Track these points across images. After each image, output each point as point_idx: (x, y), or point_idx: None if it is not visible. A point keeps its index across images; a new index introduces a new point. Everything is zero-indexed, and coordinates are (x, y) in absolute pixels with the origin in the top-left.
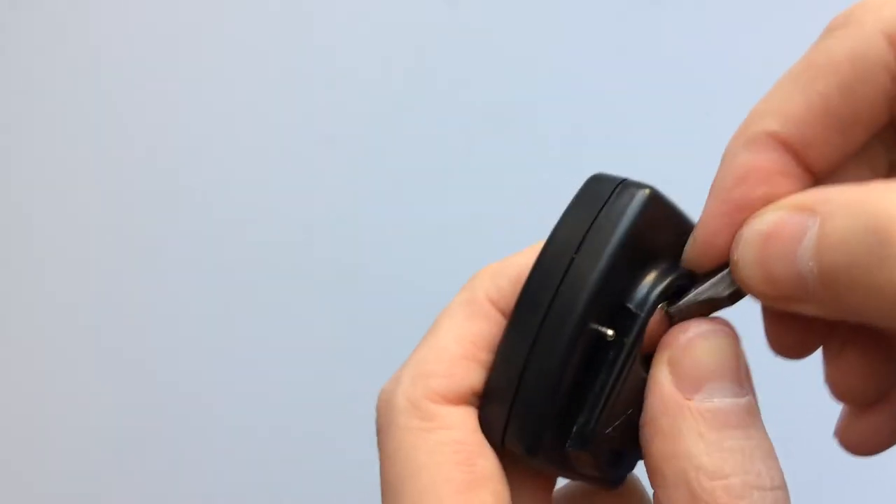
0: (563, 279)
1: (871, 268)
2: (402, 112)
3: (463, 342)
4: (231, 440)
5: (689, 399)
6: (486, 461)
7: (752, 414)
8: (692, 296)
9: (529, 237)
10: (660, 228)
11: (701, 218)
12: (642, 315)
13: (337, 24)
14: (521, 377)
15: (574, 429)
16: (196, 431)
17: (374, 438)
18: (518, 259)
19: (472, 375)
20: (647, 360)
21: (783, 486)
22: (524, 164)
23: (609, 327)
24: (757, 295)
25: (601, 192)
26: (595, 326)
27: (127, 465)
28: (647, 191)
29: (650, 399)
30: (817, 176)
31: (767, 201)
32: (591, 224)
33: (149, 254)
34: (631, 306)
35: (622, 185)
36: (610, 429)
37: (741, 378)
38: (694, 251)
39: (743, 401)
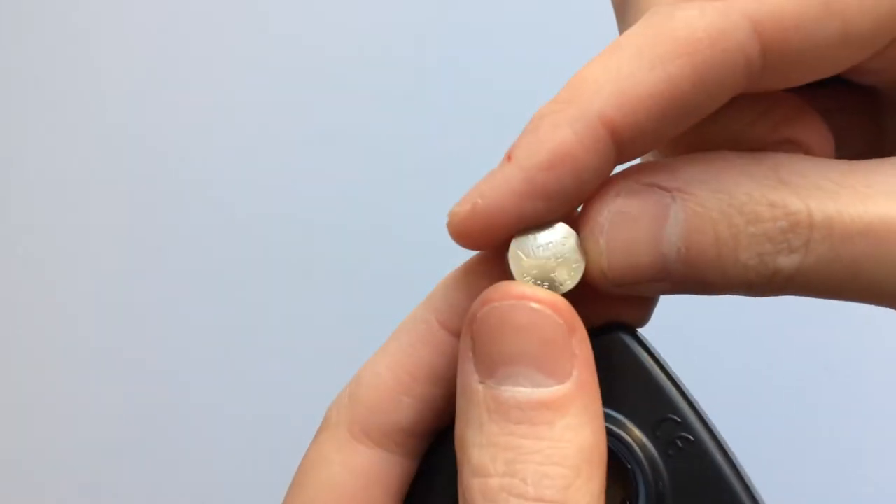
0: None
1: (732, 243)
2: (402, 110)
3: (398, 372)
4: (231, 440)
5: (482, 382)
6: None
7: (552, 408)
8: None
9: None
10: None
11: (492, 184)
12: None
13: (336, 24)
14: None
15: None
16: (195, 431)
17: None
18: (473, 266)
19: (402, 411)
20: None
21: (555, 501)
22: None
23: None
24: (613, 282)
25: None
26: None
27: (128, 464)
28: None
29: (458, 373)
30: (622, 157)
31: (580, 194)
32: None
33: (148, 252)
34: None
35: None
36: None
37: (551, 363)
38: (471, 221)
39: (542, 392)
